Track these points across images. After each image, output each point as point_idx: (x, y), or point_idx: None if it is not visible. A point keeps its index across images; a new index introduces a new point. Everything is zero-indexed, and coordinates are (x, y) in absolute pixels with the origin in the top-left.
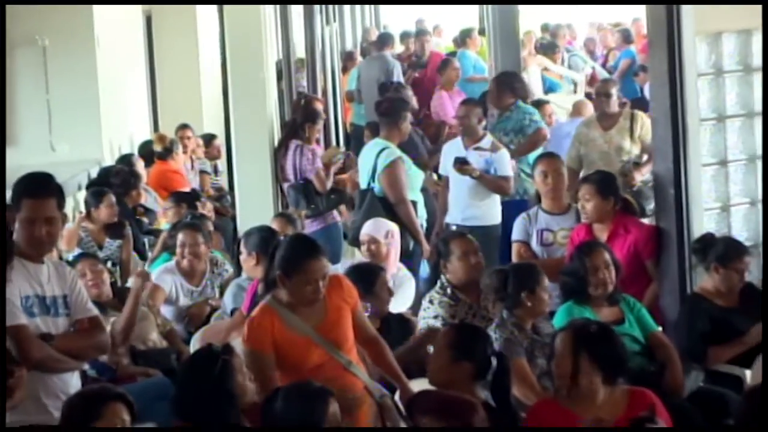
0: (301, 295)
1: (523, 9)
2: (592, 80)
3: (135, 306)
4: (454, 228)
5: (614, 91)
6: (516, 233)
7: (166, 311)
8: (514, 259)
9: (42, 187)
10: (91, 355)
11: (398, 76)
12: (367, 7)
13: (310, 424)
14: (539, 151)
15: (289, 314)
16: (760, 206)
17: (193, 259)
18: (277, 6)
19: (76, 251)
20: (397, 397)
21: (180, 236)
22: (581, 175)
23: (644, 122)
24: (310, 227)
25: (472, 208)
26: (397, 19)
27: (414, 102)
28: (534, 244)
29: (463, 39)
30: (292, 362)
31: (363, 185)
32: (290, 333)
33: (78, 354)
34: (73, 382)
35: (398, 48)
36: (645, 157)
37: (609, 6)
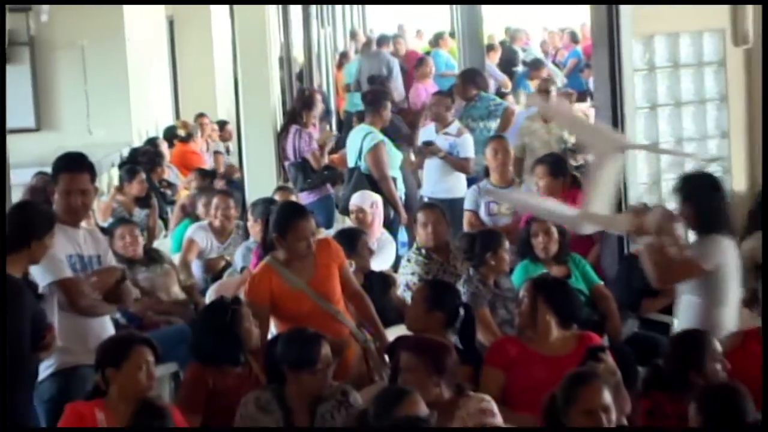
0: (295, 251)
1: (486, 15)
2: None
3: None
4: (426, 199)
5: (553, 89)
6: (467, 203)
7: (196, 265)
8: (465, 225)
9: (77, 163)
10: (124, 300)
11: (397, 70)
12: (355, 12)
13: (306, 364)
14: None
15: (285, 271)
16: None
17: (224, 219)
18: (280, 12)
19: (110, 221)
20: None
21: (215, 200)
22: (526, 162)
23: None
24: (306, 198)
25: (440, 183)
26: (381, 23)
27: (395, 94)
28: (482, 213)
29: (436, 40)
30: (288, 312)
31: (351, 164)
32: (286, 287)
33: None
34: (108, 328)
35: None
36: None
37: (560, 12)
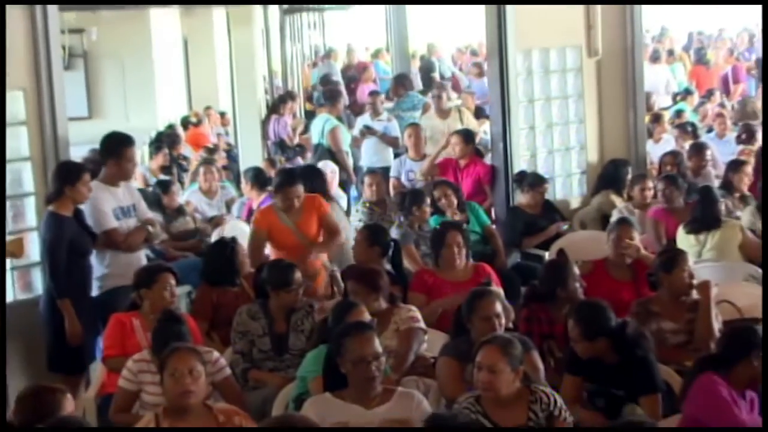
0: (282, 204)
1: (411, 35)
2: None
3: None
4: (365, 168)
5: (444, 94)
6: (393, 171)
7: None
8: (391, 188)
9: (130, 140)
10: (151, 241)
11: (337, 75)
12: (318, 32)
13: (283, 285)
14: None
15: (281, 213)
16: (555, 154)
17: (212, 182)
18: (264, 32)
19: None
20: None
21: (201, 169)
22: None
23: (468, 115)
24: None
25: (376, 155)
26: (336, 41)
27: (345, 94)
28: (403, 179)
29: (376, 53)
30: (278, 243)
31: (315, 141)
32: (280, 224)
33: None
34: (143, 261)
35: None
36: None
37: (465, 33)
